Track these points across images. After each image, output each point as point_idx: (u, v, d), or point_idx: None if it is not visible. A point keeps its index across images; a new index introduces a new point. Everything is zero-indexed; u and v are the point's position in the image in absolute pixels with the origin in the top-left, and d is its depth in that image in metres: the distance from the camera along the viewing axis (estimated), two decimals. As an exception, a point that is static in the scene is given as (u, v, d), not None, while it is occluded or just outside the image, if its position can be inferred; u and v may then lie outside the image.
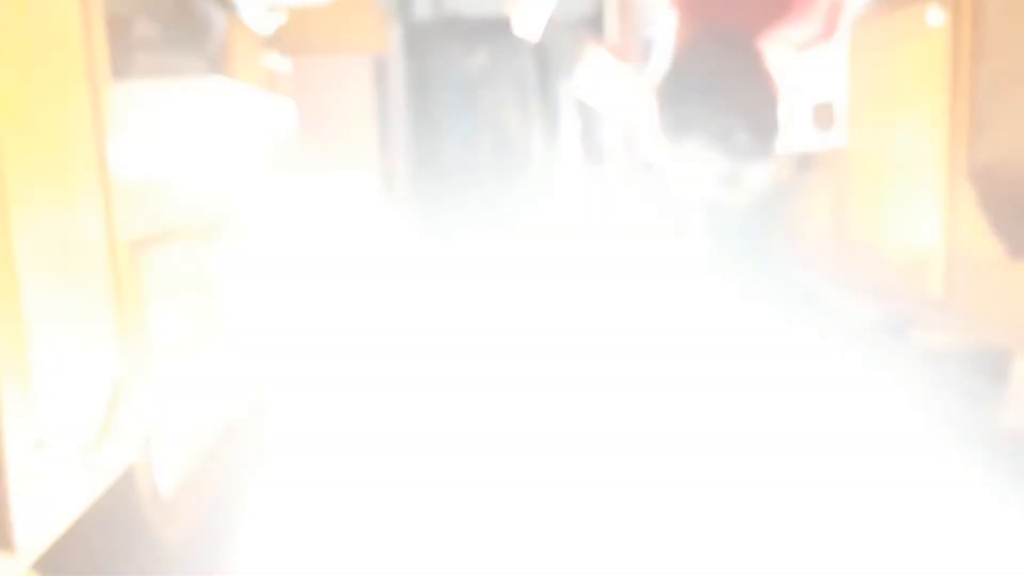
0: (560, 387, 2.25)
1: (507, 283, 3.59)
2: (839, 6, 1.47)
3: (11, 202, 1.03)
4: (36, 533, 1.03)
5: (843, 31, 1.52)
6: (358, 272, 3.29)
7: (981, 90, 2.17)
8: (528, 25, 1.72)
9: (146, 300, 1.51)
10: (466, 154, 5.62)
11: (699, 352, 2.24)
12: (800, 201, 3.25)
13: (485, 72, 5.55)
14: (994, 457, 2.05)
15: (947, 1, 2.21)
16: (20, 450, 1.00)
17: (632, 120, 1.59)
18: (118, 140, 1.43)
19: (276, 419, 2.47)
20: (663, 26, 1.60)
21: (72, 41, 1.28)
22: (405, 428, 2.21)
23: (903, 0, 2.42)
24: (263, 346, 2.43)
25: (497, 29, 5.28)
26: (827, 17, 1.47)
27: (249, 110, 1.87)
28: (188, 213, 1.79)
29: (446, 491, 1.85)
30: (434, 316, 3.38)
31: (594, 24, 5.35)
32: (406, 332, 3.24)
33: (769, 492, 1.83)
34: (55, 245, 1.17)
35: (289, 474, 2.13)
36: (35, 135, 1.13)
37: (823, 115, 2.87)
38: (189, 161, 1.82)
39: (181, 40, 1.92)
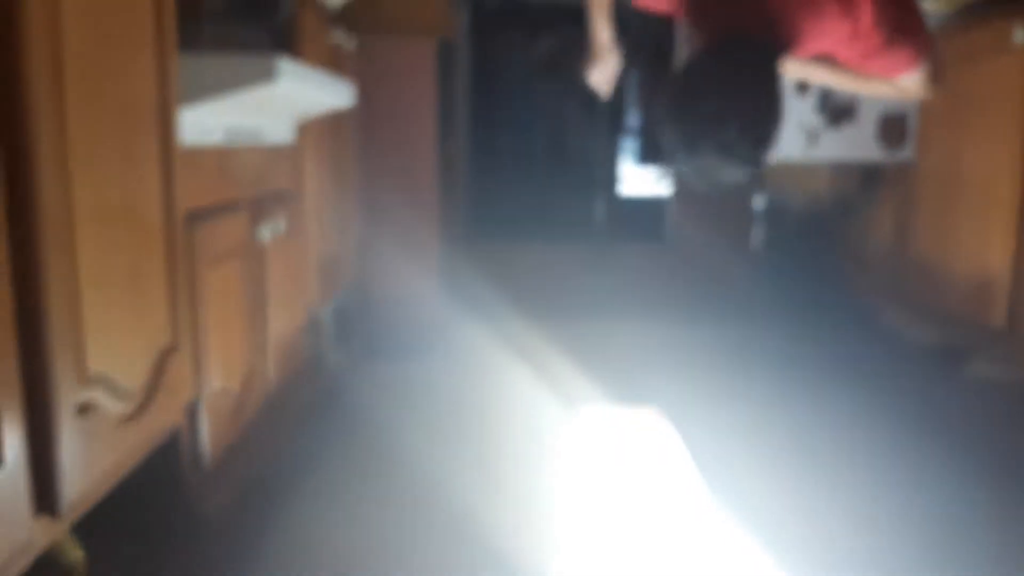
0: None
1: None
2: (881, 46, 1.48)
3: (73, 162, 1.03)
4: (77, 497, 1.04)
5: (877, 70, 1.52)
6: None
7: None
8: (602, 90, 1.89)
9: (199, 269, 1.52)
10: (522, 145, 5.58)
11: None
12: (864, 217, 3.16)
13: (549, 61, 5.51)
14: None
15: (1036, 20, 2.13)
16: (66, 412, 1.00)
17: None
18: (182, 110, 1.44)
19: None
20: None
21: (141, 9, 1.28)
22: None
23: (987, 17, 2.34)
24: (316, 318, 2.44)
25: (564, 17, 5.24)
26: (862, 50, 1.48)
27: (311, 87, 1.87)
28: (246, 187, 1.79)
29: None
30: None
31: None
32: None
33: None
34: (113, 209, 1.17)
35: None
36: (101, 99, 1.13)
37: (893, 129, 2.79)
38: (250, 135, 1.83)
39: (249, 13, 1.92)
